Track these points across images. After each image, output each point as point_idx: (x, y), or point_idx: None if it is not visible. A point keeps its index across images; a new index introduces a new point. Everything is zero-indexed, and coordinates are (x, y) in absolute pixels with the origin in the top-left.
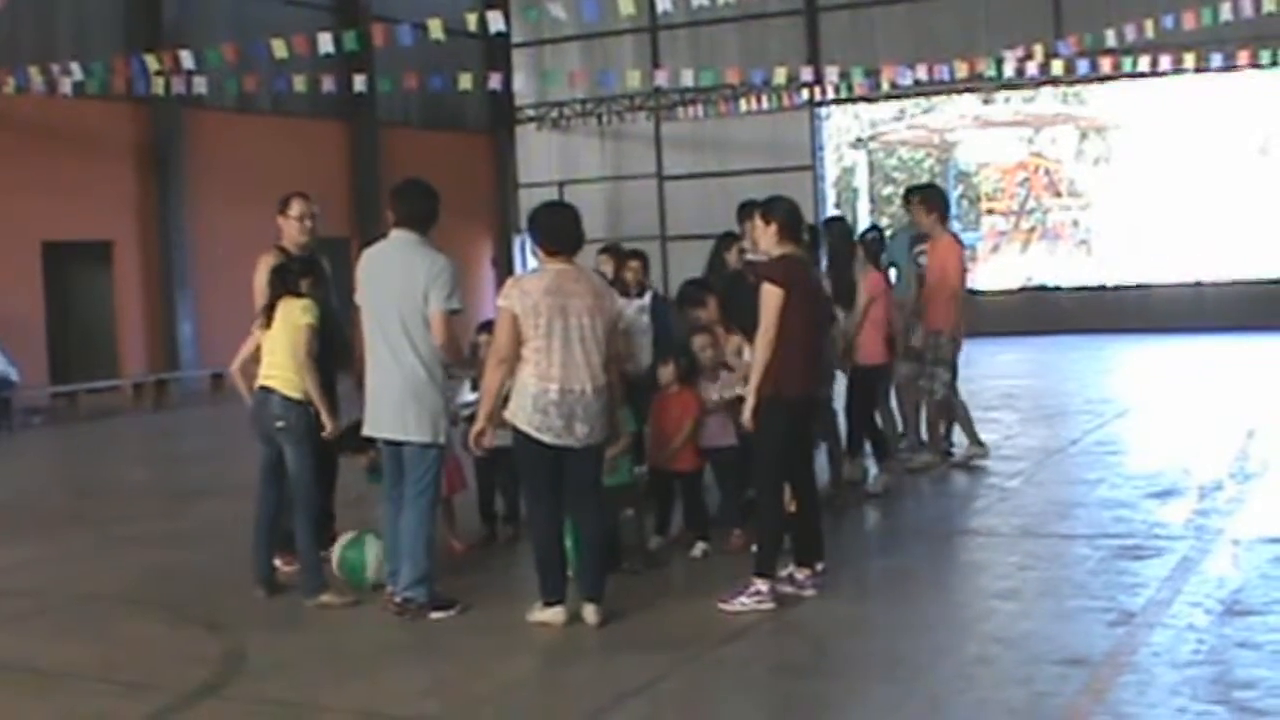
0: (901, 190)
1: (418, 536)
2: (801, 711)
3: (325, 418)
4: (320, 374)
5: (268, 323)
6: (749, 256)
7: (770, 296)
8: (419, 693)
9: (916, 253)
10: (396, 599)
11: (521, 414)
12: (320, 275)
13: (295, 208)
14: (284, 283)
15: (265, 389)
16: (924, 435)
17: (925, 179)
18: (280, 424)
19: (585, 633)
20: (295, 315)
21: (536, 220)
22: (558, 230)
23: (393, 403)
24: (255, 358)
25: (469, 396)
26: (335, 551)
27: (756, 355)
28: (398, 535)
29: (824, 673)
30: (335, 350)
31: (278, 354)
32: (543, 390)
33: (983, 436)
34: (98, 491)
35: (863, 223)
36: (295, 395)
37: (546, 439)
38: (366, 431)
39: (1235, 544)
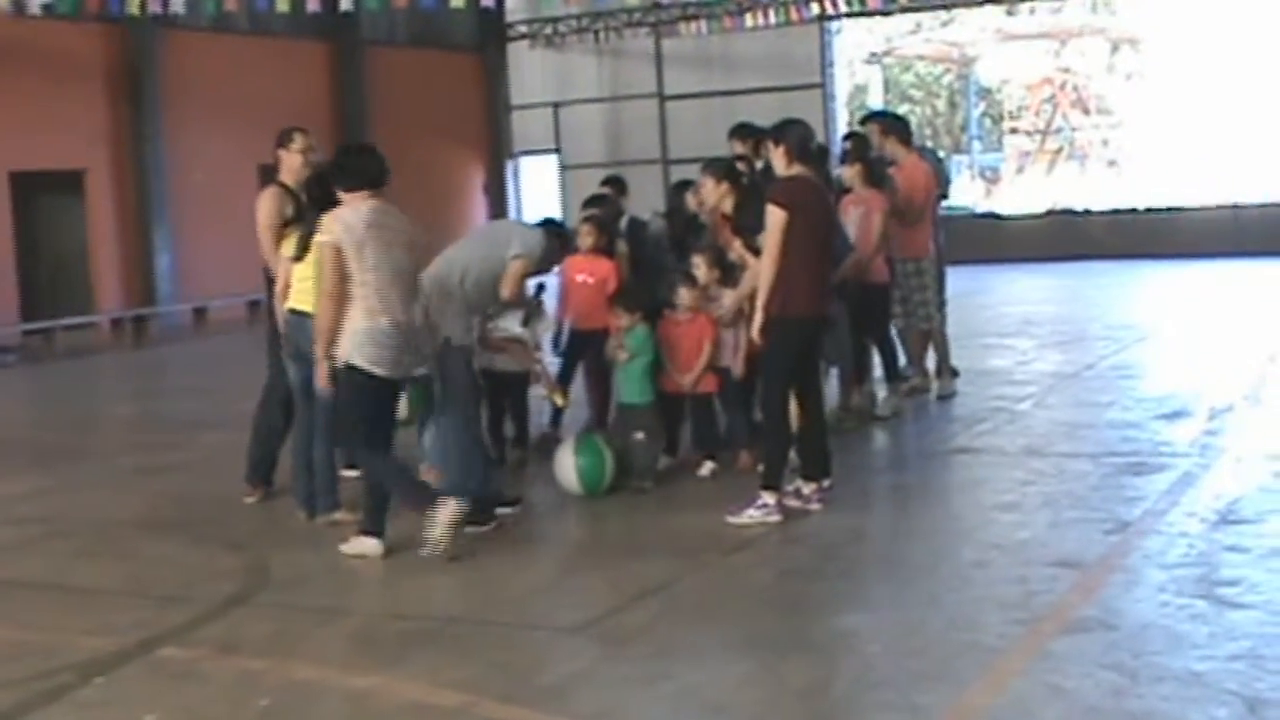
0: (917, 109)
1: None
2: (807, 608)
3: None
4: None
5: (303, 254)
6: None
7: (774, 217)
8: (442, 598)
9: None
10: None
11: (357, 351)
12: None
13: (299, 141)
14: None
15: (299, 313)
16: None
17: (944, 96)
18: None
19: (603, 541)
20: None
21: (341, 164)
22: (363, 168)
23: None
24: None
25: (517, 329)
26: (564, 459)
27: (762, 274)
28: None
29: (828, 576)
30: None
31: (312, 281)
32: (374, 324)
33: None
34: (92, 426)
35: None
36: None
37: (381, 372)
38: None
39: (1238, 461)
